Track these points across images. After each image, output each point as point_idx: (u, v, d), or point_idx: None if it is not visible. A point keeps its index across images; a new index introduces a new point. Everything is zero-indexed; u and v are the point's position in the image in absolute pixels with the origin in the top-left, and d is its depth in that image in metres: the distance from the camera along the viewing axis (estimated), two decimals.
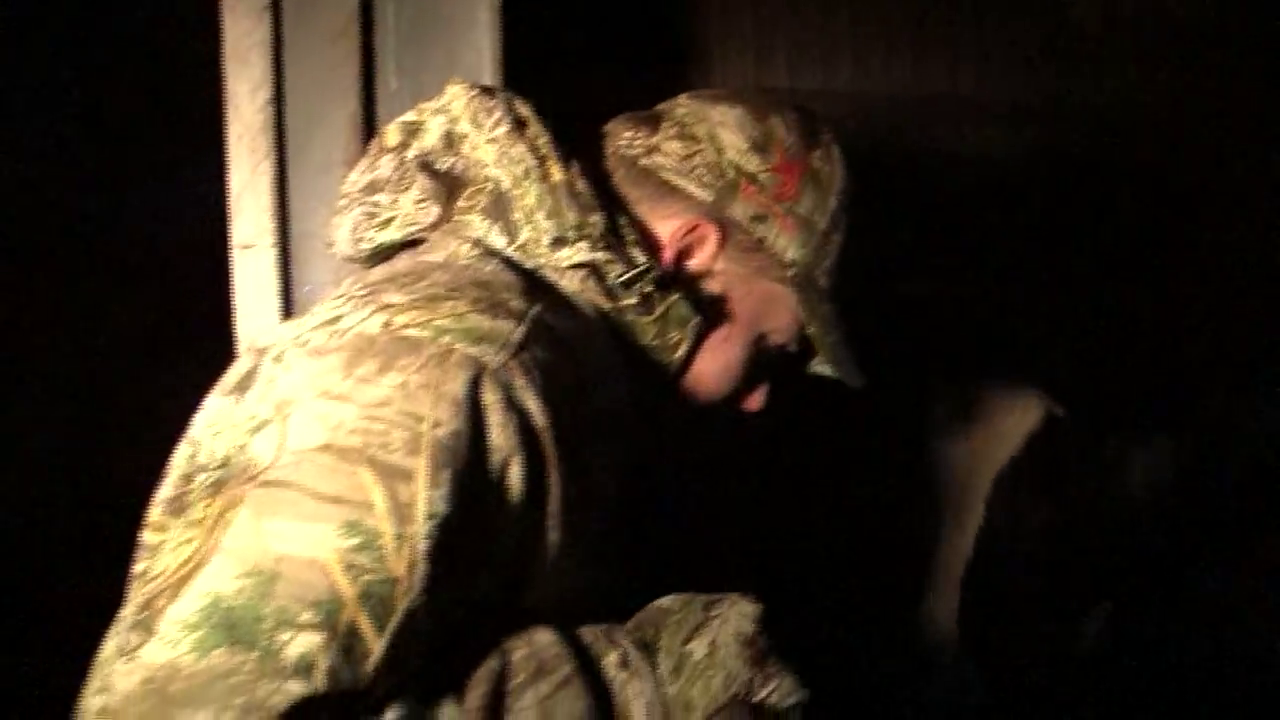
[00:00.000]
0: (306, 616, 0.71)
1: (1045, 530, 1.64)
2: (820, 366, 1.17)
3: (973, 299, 1.87)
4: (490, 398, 0.81)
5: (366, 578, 0.73)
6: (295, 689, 0.69)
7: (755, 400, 1.15)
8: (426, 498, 0.76)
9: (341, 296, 0.92)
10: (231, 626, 0.70)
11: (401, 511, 0.75)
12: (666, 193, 1.05)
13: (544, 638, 0.87)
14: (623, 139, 1.09)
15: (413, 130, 1.08)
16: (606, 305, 1.00)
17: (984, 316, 1.86)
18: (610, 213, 1.00)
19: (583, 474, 0.89)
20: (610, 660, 0.89)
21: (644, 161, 1.07)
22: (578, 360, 0.92)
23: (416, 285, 0.90)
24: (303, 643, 0.70)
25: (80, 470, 2.36)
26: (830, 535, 1.72)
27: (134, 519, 0.97)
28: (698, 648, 0.91)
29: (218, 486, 0.81)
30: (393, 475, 0.76)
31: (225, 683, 0.68)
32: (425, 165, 1.05)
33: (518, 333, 0.86)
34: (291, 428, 0.79)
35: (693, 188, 1.05)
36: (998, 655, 1.64)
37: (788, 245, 1.07)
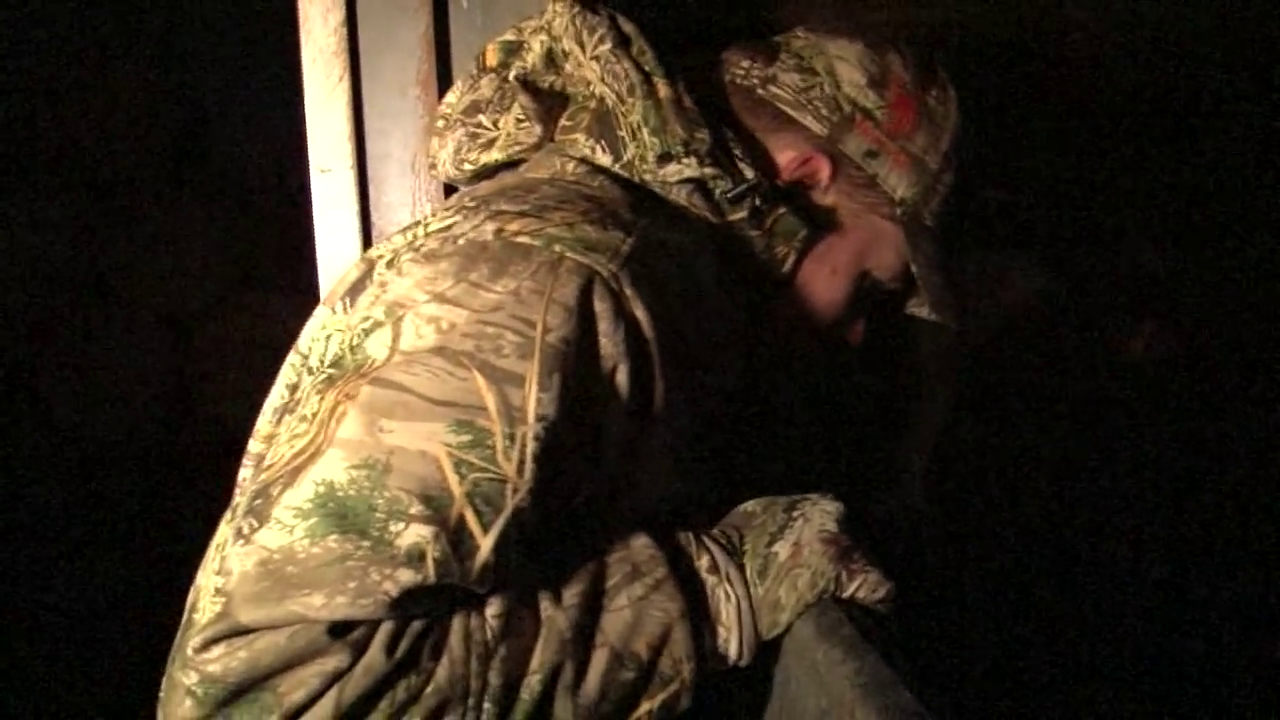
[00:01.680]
0: (417, 509, 0.73)
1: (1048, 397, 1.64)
2: (918, 306, 1.17)
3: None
4: (600, 305, 0.82)
5: (475, 475, 0.75)
6: (406, 577, 0.72)
7: (855, 334, 1.15)
8: (537, 400, 0.77)
9: (452, 207, 0.93)
10: (343, 515, 0.72)
11: (512, 414, 0.77)
12: (782, 124, 1.05)
13: (639, 541, 0.89)
14: (739, 68, 1.08)
15: (513, 50, 1.08)
16: (714, 220, 1.00)
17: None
18: (717, 129, 1.00)
19: (687, 384, 0.90)
20: (701, 564, 0.91)
21: (760, 91, 1.06)
22: (685, 273, 0.93)
23: (527, 197, 0.91)
24: (413, 533, 0.73)
25: (171, 386, 2.43)
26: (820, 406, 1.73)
27: (222, 431, 1.00)
28: (782, 549, 0.92)
29: (330, 382, 0.82)
30: (505, 379, 0.77)
31: (339, 567, 0.71)
32: (527, 84, 1.05)
33: (627, 243, 0.86)
34: (404, 329, 0.80)
35: (808, 120, 1.05)
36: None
37: (898, 183, 1.06)
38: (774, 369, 1.13)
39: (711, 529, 0.96)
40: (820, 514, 0.95)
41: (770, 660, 0.94)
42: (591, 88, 1.01)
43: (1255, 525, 1.81)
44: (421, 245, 0.88)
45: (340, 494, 0.73)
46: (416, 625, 0.75)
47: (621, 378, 0.83)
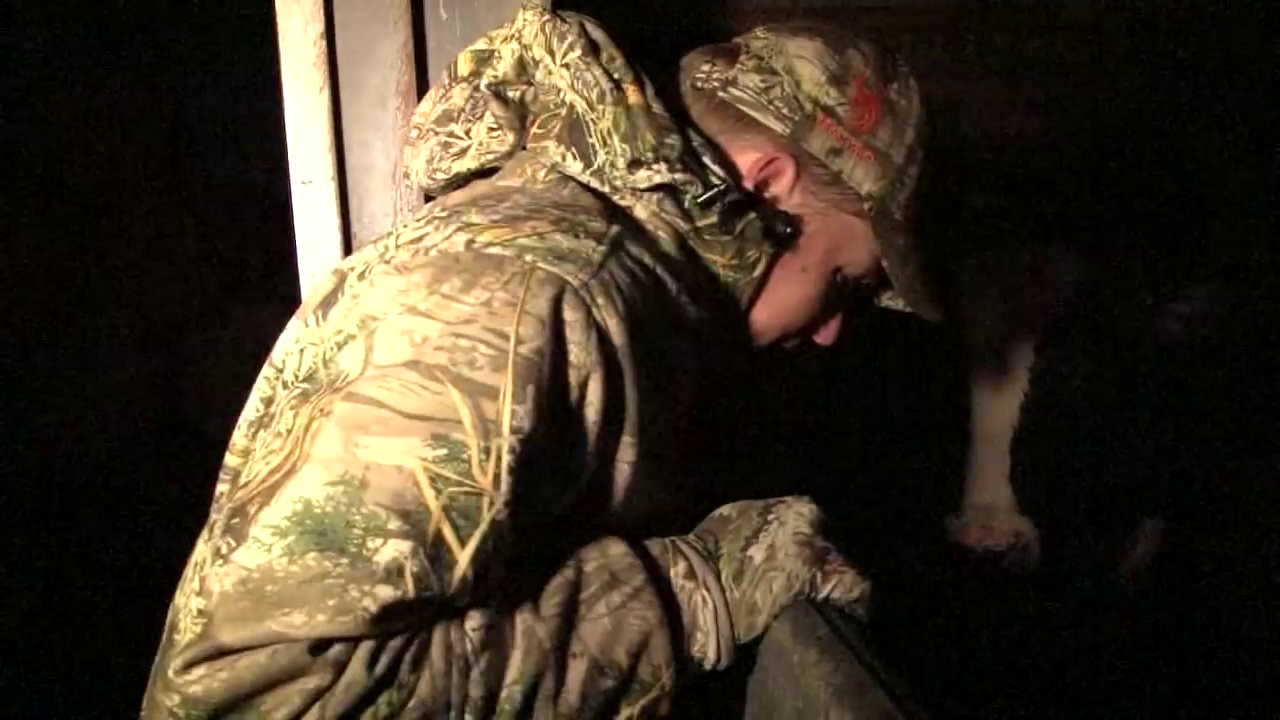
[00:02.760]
0: (395, 524, 0.74)
1: (1090, 384, 1.64)
2: (893, 300, 1.17)
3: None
4: (571, 315, 0.83)
5: (452, 489, 0.76)
6: (385, 593, 0.73)
7: (830, 332, 1.15)
8: (511, 412, 0.78)
9: (423, 218, 0.94)
10: (321, 533, 0.73)
11: (487, 427, 0.77)
12: (744, 126, 1.05)
13: (616, 550, 0.90)
14: (700, 72, 1.08)
15: (485, 59, 1.09)
16: (684, 226, 1.00)
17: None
18: (686, 134, 1.00)
19: (659, 392, 0.91)
20: (678, 571, 0.92)
21: (721, 94, 1.06)
22: (656, 281, 0.94)
23: (498, 207, 0.92)
24: (391, 549, 0.73)
25: (157, 398, 2.44)
26: (870, 411, 1.71)
27: (208, 442, 1.01)
28: (757, 552, 0.94)
29: (304, 397, 0.83)
30: (479, 392, 0.78)
31: (319, 585, 0.72)
32: (498, 93, 1.05)
33: (598, 252, 0.87)
34: (377, 343, 0.81)
35: (770, 120, 1.04)
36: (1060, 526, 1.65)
37: (864, 178, 1.06)
38: (750, 372, 1.14)
39: (688, 534, 0.98)
40: (795, 517, 0.96)
41: (748, 663, 0.95)
42: (562, 95, 1.02)
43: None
44: (393, 257, 0.89)
45: (318, 511, 0.73)
46: (397, 640, 0.75)
47: (594, 387, 0.84)
